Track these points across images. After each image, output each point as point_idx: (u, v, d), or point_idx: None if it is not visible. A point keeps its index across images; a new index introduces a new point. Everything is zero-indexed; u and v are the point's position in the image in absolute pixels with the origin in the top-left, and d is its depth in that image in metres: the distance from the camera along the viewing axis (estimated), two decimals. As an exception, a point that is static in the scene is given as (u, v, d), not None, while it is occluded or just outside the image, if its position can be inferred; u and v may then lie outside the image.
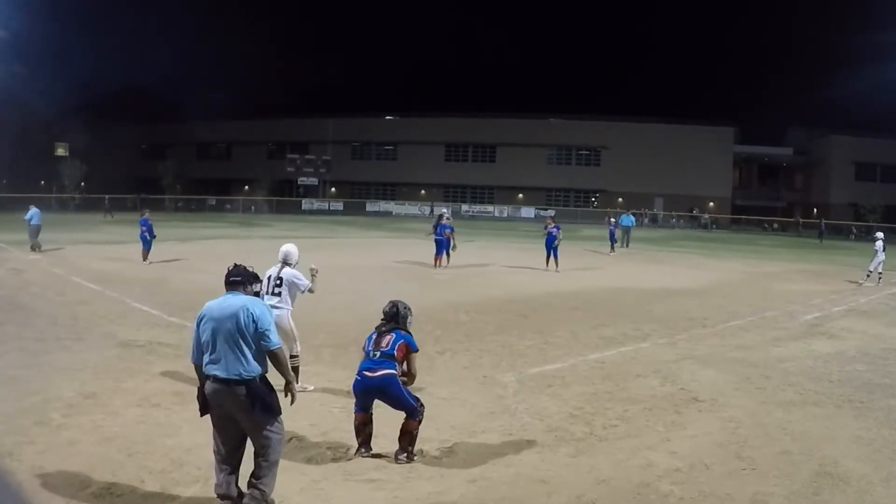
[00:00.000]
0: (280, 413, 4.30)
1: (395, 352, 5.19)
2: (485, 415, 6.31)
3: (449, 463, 5.17)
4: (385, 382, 5.10)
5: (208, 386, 4.21)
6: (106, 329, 9.34)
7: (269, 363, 4.31)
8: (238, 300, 4.27)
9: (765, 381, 7.73)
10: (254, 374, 4.17)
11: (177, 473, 4.77)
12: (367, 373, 5.14)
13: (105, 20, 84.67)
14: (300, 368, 6.83)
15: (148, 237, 17.08)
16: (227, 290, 4.40)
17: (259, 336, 4.18)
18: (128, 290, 12.58)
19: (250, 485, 4.23)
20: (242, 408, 4.15)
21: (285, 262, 6.99)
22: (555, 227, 18.45)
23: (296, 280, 6.92)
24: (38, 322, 9.59)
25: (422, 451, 5.28)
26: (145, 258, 16.90)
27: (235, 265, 4.51)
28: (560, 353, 8.82)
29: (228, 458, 4.26)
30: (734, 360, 8.74)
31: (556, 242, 18.04)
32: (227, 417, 4.21)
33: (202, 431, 5.59)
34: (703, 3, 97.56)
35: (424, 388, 6.47)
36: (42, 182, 55.04)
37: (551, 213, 44.32)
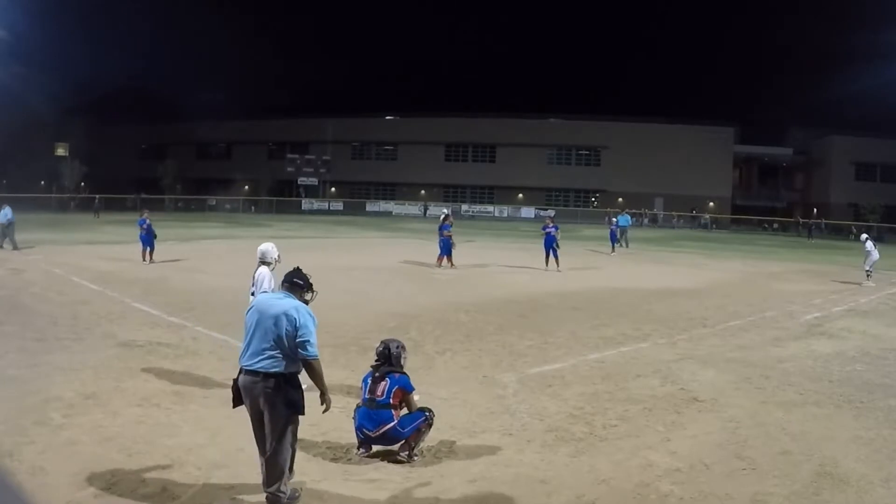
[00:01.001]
0: (302, 413, 4.37)
1: (391, 400, 5.22)
2: (485, 415, 6.31)
3: (449, 463, 5.17)
4: (386, 437, 5.20)
5: (241, 378, 4.33)
6: (106, 329, 9.34)
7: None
8: (288, 302, 4.37)
9: (765, 381, 7.73)
10: (285, 371, 4.28)
11: (177, 473, 4.76)
12: (367, 431, 5.20)
13: (105, 20, 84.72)
14: None
15: (145, 237, 17.07)
16: (284, 288, 4.54)
17: (299, 345, 4.26)
18: (128, 290, 12.58)
19: (269, 494, 4.29)
20: (268, 400, 4.24)
21: (262, 262, 6.93)
22: (553, 226, 18.44)
23: (258, 281, 6.76)
24: (38, 322, 9.58)
25: (422, 451, 5.29)
26: (144, 258, 16.89)
27: (299, 269, 4.66)
28: (560, 353, 8.82)
29: (262, 451, 4.37)
30: (734, 360, 8.74)
31: (555, 243, 18.04)
32: (257, 410, 4.32)
33: (202, 431, 5.60)
34: (703, 2, 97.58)
35: (425, 388, 6.47)
36: (42, 182, 55.05)
37: (551, 213, 44.18)
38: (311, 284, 4.64)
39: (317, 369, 4.36)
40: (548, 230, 18.32)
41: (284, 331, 4.24)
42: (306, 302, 4.53)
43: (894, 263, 21.40)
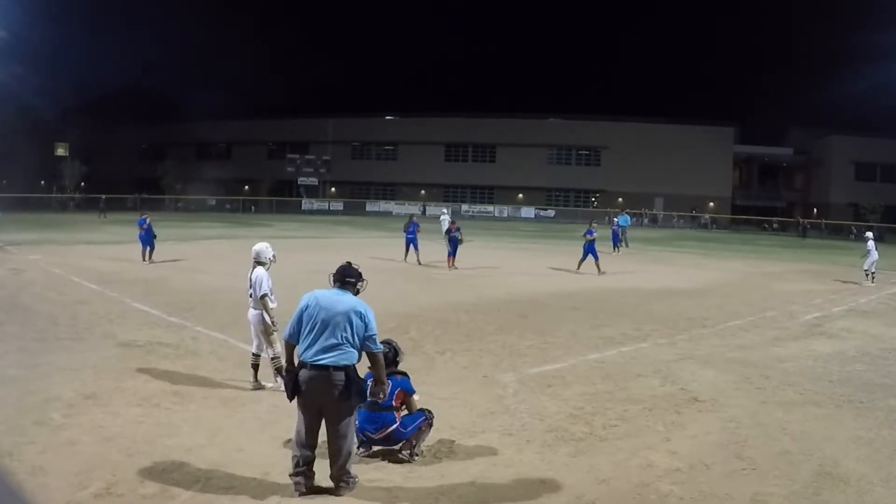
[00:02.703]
0: (367, 399, 4.77)
1: (393, 402, 5.24)
2: (485, 415, 6.30)
3: (449, 463, 5.17)
4: (390, 439, 5.21)
5: (304, 373, 4.48)
6: (106, 329, 9.34)
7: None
8: (351, 299, 4.64)
9: (765, 381, 7.73)
10: (352, 363, 4.51)
11: (177, 473, 4.76)
12: (369, 434, 5.21)
13: (105, 20, 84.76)
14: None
15: (145, 237, 17.06)
16: (338, 286, 4.70)
17: (368, 339, 4.59)
18: (128, 290, 12.58)
19: (338, 479, 4.52)
20: (338, 393, 4.43)
21: (257, 262, 6.91)
22: (594, 230, 18.47)
23: (256, 283, 6.75)
24: (38, 322, 9.59)
25: (422, 452, 5.29)
26: (144, 258, 16.89)
27: (350, 264, 4.82)
28: (560, 353, 8.82)
29: (308, 443, 4.52)
30: (734, 360, 8.74)
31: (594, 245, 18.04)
32: (314, 404, 4.49)
33: (202, 431, 5.60)
34: (703, 2, 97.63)
35: (425, 388, 6.47)
36: (42, 182, 55.06)
37: (550, 212, 43.92)
38: (360, 274, 4.82)
39: (381, 361, 4.76)
40: (593, 234, 18.21)
41: (355, 326, 4.51)
42: (358, 292, 4.77)
43: (894, 263, 21.39)
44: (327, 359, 4.43)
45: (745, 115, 75.79)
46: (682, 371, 8.06)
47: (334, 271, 4.81)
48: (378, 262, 19.05)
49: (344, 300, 4.59)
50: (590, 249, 17.98)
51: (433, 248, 21.10)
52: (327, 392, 4.42)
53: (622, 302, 13.33)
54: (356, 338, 4.51)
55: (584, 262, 17.93)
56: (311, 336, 4.50)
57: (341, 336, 4.47)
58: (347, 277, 4.72)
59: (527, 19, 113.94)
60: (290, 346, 4.65)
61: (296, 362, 4.59)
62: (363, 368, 4.77)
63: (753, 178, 63.99)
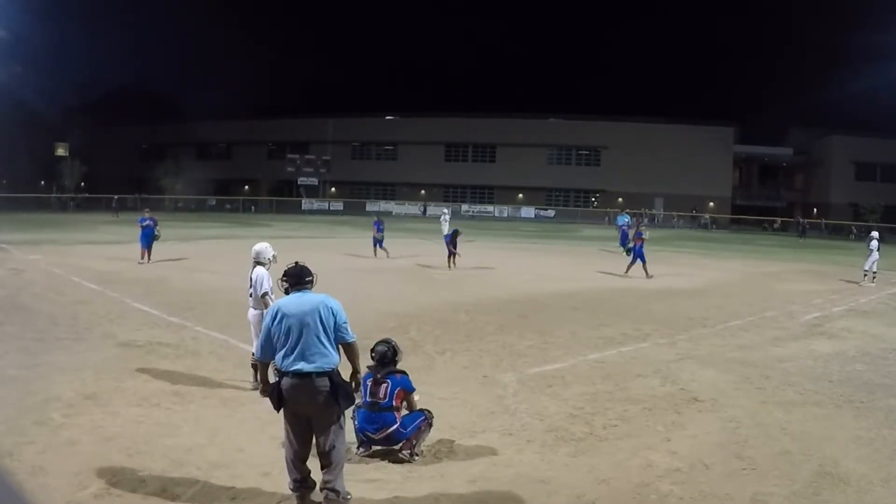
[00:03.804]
0: (354, 403, 4.64)
1: (393, 402, 5.23)
2: (485, 415, 6.30)
3: (449, 463, 5.17)
4: (390, 439, 5.19)
5: (286, 381, 4.31)
6: (106, 329, 9.33)
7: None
8: (315, 296, 4.50)
9: (765, 381, 7.73)
10: (334, 366, 4.36)
11: (177, 473, 4.76)
12: (370, 434, 5.19)
13: (105, 20, 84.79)
14: None
15: (142, 236, 16.99)
16: (296, 290, 4.55)
17: (338, 329, 4.42)
18: (128, 290, 12.58)
19: (325, 489, 4.33)
20: (324, 400, 4.28)
21: (257, 262, 6.89)
22: (639, 231, 18.19)
23: (257, 282, 6.75)
24: (38, 322, 9.58)
25: (422, 451, 5.29)
26: (143, 258, 16.84)
27: (298, 266, 4.65)
28: (560, 353, 8.81)
29: (301, 452, 4.39)
30: (734, 360, 8.74)
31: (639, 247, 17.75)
32: (302, 413, 4.33)
33: (202, 431, 5.60)
34: (703, 2, 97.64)
35: (425, 388, 6.47)
36: (42, 182, 55.08)
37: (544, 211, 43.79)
38: (309, 271, 4.67)
39: (356, 350, 4.57)
40: (642, 236, 17.97)
41: (326, 321, 4.37)
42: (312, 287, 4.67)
43: (894, 263, 21.39)
44: (308, 366, 4.26)
45: (745, 115, 75.82)
46: (682, 371, 8.06)
47: (284, 277, 4.61)
48: (377, 262, 19.07)
49: (308, 299, 4.45)
50: (639, 251, 17.70)
51: (433, 247, 21.09)
52: (312, 400, 4.25)
53: (622, 302, 13.32)
54: (330, 333, 4.36)
55: (646, 264, 17.51)
56: (287, 344, 4.31)
57: (317, 337, 4.30)
58: (307, 278, 4.58)
59: (526, 19, 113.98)
60: (263, 366, 4.53)
61: (270, 379, 4.51)
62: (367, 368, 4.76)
63: (753, 178, 63.97)
